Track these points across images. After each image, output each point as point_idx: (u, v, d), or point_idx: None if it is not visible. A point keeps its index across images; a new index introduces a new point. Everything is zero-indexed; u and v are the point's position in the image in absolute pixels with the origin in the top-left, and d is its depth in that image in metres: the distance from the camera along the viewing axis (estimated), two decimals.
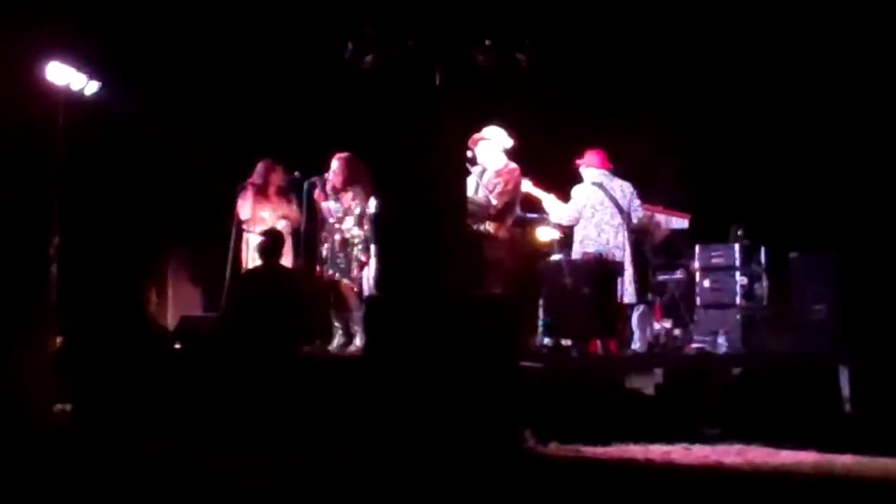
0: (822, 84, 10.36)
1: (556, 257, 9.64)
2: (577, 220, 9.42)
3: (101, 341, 8.38)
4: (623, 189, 9.53)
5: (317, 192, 9.65)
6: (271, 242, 9.06)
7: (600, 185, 9.46)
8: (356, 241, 9.46)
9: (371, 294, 8.81)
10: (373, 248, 9.22)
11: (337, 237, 9.52)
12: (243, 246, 9.93)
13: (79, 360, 8.37)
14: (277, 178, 10.02)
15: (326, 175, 9.63)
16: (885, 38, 9.97)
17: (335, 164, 9.60)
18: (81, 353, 8.41)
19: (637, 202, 9.57)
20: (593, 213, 9.40)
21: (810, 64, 10.35)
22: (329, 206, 9.59)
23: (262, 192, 10.01)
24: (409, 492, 5.93)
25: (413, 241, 7.65)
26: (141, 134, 11.13)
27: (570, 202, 9.46)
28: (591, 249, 9.30)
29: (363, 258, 9.41)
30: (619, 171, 9.84)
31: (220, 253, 10.13)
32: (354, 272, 9.43)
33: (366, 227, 9.44)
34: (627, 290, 9.30)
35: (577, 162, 9.65)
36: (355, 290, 9.43)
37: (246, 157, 10.38)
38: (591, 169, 9.56)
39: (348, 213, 9.52)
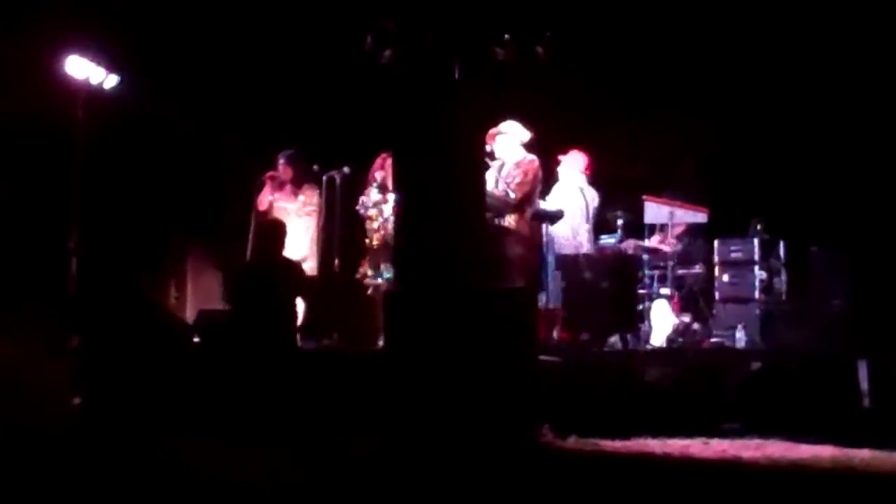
0: (843, 78, 10.31)
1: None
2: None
3: (120, 335, 8.40)
4: (594, 198, 9.62)
5: (369, 192, 9.54)
6: (270, 234, 8.96)
7: (581, 191, 9.57)
8: None
9: (390, 288, 8.81)
10: None
11: (384, 233, 9.41)
12: None
13: (97, 354, 8.39)
14: (294, 171, 10.00)
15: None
16: None
17: (382, 163, 9.52)
18: (100, 347, 8.43)
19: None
20: (573, 216, 9.52)
21: (831, 58, 10.30)
22: (380, 203, 9.46)
23: (279, 185, 10.03)
24: (427, 485, 5.94)
25: (432, 234, 7.65)
26: (160, 127, 11.15)
27: (553, 200, 9.56)
28: (566, 251, 9.38)
29: None
30: (637, 165, 9.86)
31: (240, 246, 10.16)
32: None
33: None
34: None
35: (560, 158, 9.75)
36: None
37: (266, 151, 10.41)
38: (575, 172, 9.69)
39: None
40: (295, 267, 8.88)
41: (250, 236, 9.96)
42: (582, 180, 9.78)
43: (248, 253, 9.95)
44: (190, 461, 6.51)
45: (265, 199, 10.05)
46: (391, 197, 9.09)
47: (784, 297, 10.07)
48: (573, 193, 9.65)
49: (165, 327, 8.71)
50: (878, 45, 10.05)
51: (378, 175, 9.52)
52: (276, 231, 8.84)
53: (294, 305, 8.65)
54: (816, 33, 10.22)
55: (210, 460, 6.54)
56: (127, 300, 8.93)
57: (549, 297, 9.30)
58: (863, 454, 6.83)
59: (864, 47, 10.12)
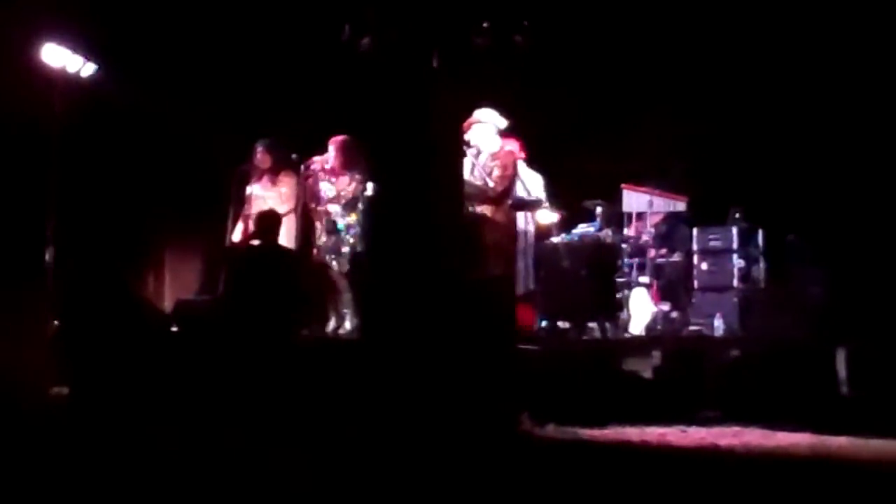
0: (819, 70, 10.33)
1: (554, 239, 9.65)
2: None
3: (98, 324, 8.37)
4: (537, 182, 9.61)
5: (310, 176, 9.65)
6: (266, 222, 9.04)
7: (519, 177, 9.56)
8: (348, 224, 9.44)
9: (367, 278, 8.80)
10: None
11: (328, 220, 9.52)
12: (248, 226, 9.92)
13: (75, 343, 8.36)
14: (272, 160, 9.97)
15: (314, 159, 9.62)
16: (882, 24, 9.93)
17: (331, 147, 9.60)
18: (78, 336, 8.40)
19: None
20: None
21: (807, 51, 10.31)
22: (322, 189, 9.58)
23: (258, 174, 10.01)
24: (405, 474, 5.94)
25: (410, 223, 7.64)
26: (138, 116, 11.09)
27: None
28: None
29: (352, 242, 9.40)
30: (617, 155, 9.85)
31: (218, 235, 10.13)
32: (343, 256, 9.42)
33: (360, 211, 9.43)
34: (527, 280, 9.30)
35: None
36: (343, 273, 9.42)
37: (244, 140, 10.36)
38: None
39: (340, 198, 9.51)
40: (291, 256, 8.95)
41: (229, 225, 9.92)
42: (521, 164, 9.72)
43: (228, 243, 9.92)
44: (170, 449, 6.51)
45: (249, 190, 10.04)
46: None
47: (762, 285, 10.10)
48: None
49: (142, 316, 8.68)
50: (853, 38, 10.06)
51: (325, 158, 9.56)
52: (272, 220, 9.07)
53: (290, 294, 8.66)
54: (793, 27, 10.23)
55: (194, 451, 6.53)
56: (106, 289, 8.89)
57: (527, 285, 9.31)
58: (840, 441, 6.87)
59: (839, 41, 10.13)
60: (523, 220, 9.58)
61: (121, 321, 8.44)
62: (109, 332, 8.31)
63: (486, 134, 9.14)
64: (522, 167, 9.68)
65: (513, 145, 9.69)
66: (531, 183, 9.60)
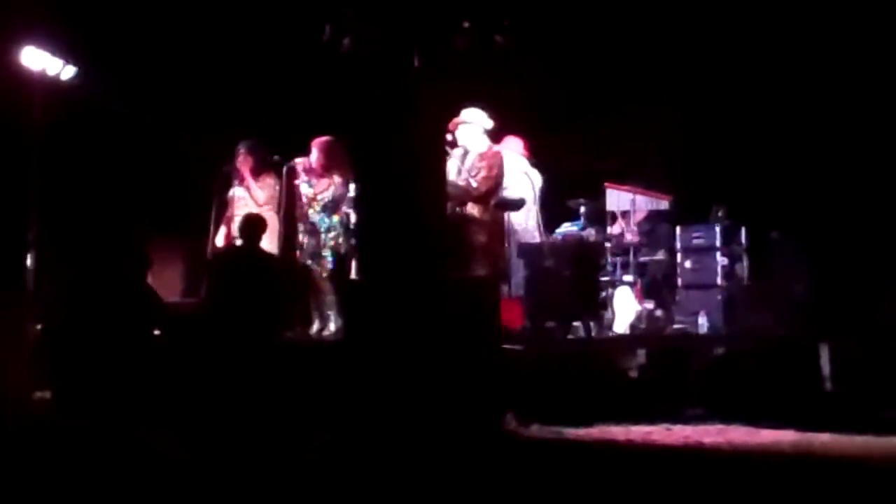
0: (800, 67, 10.35)
1: (537, 239, 9.65)
2: None
3: (81, 328, 8.33)
4: (539, 180, 9.62)
5: (296, 178, 9.64)
6: (249, 225, 9.02)
7: (526, 175, 9.54)
8: (328, 227, 9.43)
9: (351, 278, 8.79)
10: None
11: (308, 222, 9.51)
12: (231, 229, 9.89)
13: (58, 348, 8.32)
14: (255, 161, 9.93)
15: (296, 160, 9.60)
16: (860, 20, 9.97)
17: (314, 149, 9.58)
18: (60, 341, 8.36)
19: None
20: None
21: (788, 47, 10.34)
22: (303, 190, 9.58)
23: (240, 176, 9.98)
24: (389, 476, 5.93)
25: (393, 224, 7.62)
26: (119, 118, 11.06)
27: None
28: (523, 238, 9.39)
29: (333, 244, 9.39)
30: (600, 153, 9.86)
31: (201, 238, 10.09)
32: (324, 258, 9.41)
33: (342, 213, 9.42)
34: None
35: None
36: (324, 275, 9.40)
37: (226, 141, 10.33)
38: (517, 157, 9.64)
39: (316, 200, 9.50)
40: (272, 259, 8.93)
41: (212, 226, 9.89)
42: (525, 164, 9.72)
43: (211, 245, 9.90)
44: (154, 453, 6.48)
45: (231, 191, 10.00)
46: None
47: (745, 282, 10.12)
48: (519, 178, 9.54)
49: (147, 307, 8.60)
50: (831, 36, 10.09)
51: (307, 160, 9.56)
52: (256, 222, 8.98)
53: (271, 296, 8.64)
54: (774, 24, 10.26)
55: (178, 454, 6.51)
56: (87, 292, 8.84)
57: (512, 286, 9.30)
58: (823, 438, 6.89)
59: (818, 38, 10.16)
60: (535, 223, 9.60)
61: (104, 324, 8.40)
62: (92, 336, 8.27)
63: (473, 134, 9.14)
64: (527, 166, 9.68)
65: (516, 144, 9.69)
66: (538, 182, 9.63)
